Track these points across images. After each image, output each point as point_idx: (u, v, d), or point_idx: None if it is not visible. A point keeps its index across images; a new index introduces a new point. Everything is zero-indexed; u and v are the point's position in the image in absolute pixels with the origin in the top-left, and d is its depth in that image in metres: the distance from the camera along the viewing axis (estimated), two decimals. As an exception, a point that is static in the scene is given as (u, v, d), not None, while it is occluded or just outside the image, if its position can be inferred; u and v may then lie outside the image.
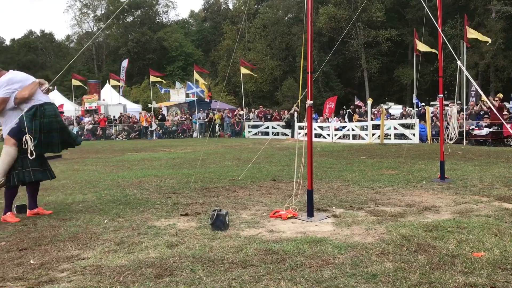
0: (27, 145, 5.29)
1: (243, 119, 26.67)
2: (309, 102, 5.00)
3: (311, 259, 3.47)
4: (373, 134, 18.95)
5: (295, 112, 22.02)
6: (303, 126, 20.70)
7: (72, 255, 3.88)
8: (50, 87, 5.86)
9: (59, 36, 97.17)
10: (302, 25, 50.83)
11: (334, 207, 5.43)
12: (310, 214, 4.93)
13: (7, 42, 73.35)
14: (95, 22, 70.99)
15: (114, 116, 29.14)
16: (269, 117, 26.63)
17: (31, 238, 4.50)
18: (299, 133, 20.69)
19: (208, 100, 30.69)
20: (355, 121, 21.33)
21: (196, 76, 28.08)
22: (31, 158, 5.29)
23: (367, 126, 19.55)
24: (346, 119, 22.88)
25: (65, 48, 72.33)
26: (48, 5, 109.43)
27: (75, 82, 30.26)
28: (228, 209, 5.04)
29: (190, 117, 28.78)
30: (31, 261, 3.75)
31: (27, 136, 5.27)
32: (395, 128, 18.64)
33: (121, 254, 3.84)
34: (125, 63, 38.79)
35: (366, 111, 20.58)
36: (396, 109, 29.83)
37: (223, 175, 8.73)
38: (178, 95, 32.83)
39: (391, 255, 3.55)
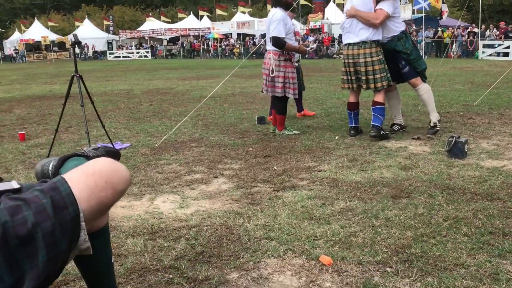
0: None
1: (478, 38, 23.72)
2: None
3: None
4: None
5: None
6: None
7: (309, 166, 4.19)
8: None
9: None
10: None
11: None
12: None
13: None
14: None
15: (338, 35, 29.18)
16: (510, 35, 23.03)
17: (272, 147, 5.00)
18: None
19: (444, 17, 27.99)
20: None
21: (426, -11, 25.68)
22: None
23: None
24: None
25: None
26: None
27: (302, 1, 31.07)
28: (466, 137, 4.68)
29: (416, 35, 26.93)
30: (275, 167, 4.18)
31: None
32: None
33: (355, 171, 3.97)
34: (349, -21, 37.84)
35: None
36: None
37: (455, 99, 8.07)
38: (404, 11, 30.79)
39: None
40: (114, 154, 1.71)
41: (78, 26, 42.89)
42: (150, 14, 46.68)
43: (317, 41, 30.53)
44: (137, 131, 6.20)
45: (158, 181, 3.87)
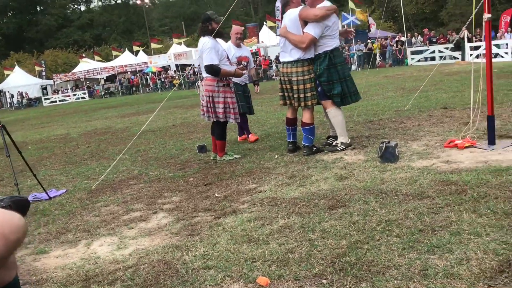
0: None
1: (405, 46, 24.96)
2: (486, 16, 4.40)
3: (496, 190, 3.17)
4: None
5: (465, 33, 19.73)
6: (477, 46, 18.54)
7: (250, 189, 4.19)
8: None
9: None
10: None
11: (520, 133, 4.84)
12: (491, 142, 4.47)
13: (173, -3, 79.48)
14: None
15: (275, 57, 29.81)
16: (434, 40, 24.44)
17: (213, 174, 4.97)
18: (471, 55, 18.58)
19: (371, 30, 29.27)
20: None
21: (351, 5, 26.87)
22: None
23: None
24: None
25: (223, -5, 75.60)
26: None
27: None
28: (397, 141, 4.86)
29: (348, 50, 27.97)
30: (216, 194, 4.16)
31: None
32: None
33: (294, 187, 4.01)
34: (278, 2, 38.92)
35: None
36: None
37: (387, 106, 8.39)
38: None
39: None
40: (21, 203, 1.63)
41: (8, 75, 41.33)
42: (84, 55, 45.88)
43: (255, 65, 31.03)
44: (73, 175, 5.99)
45: (95, 225, 3.73)
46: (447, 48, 22.10)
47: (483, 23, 4.47)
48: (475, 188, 3.27)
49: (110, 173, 5.56)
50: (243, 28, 7.17)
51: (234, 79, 6.28)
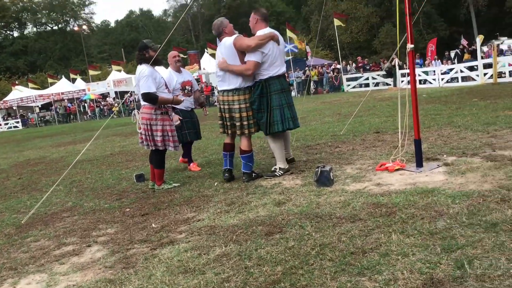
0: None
1: (341, 73, 25.98)
2: (409, 46, 4.69)
3: (423, 211, 3.33)
4: (485, 74, 17.42)
5: (396, 60, 20.88)
6: (407, 73, 19.60)
7: (188, 218, 4.14)
8: None
9: (157, 12, 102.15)
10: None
11: (445, 155, 5.13)
12: (419, 164, 4.71)
13: (112, 24, 78.69)
14: (188, -7, 72.84)
15: (216, 84, 30.00)
16: (367, 67, 25.65)
17: (151, 204, 4.88)
18: (402, 81, 19.64)
19: (309, 58, 30.23)
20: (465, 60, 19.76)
21: (289, 33, 27.70)
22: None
23: (477, 66, 18.00)
24: (455, 61, 21.24)
25: (163, 23, 75.70)
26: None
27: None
28: (332, 165, 5.01)
29: (288, 77, 28.70)
30: (153, 225, 4.07)
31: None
32: (510, 65, 16.94)
33: (233, 214, 4.01)
34: (219, 30, 39.37)
35: (475, 50, 18.95)
36: (510, 43, 26.92)
37: (324, 131, 8.65)
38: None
39: (513, 202, 3.28)
40: None
41: None
42: (17, 83, 44.01)
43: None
44: (1, 209, 5.66)
45: (23, 262, 3.54)
46: (379, 75, 23.27)
47: (407, 53, 4.77)
48: (404, 209, 3.42)
49: (42, 206, 5.31)
50: (180, 53, 7.18)
51: (180, 106, 6.26)
